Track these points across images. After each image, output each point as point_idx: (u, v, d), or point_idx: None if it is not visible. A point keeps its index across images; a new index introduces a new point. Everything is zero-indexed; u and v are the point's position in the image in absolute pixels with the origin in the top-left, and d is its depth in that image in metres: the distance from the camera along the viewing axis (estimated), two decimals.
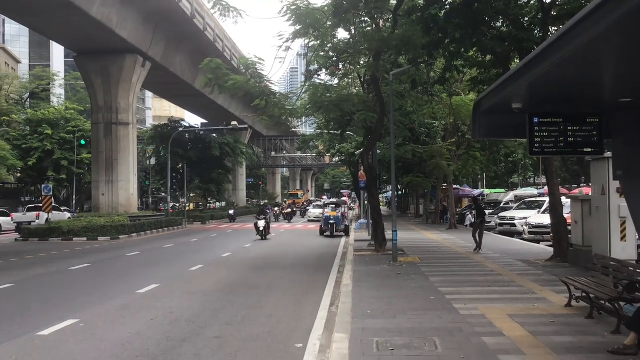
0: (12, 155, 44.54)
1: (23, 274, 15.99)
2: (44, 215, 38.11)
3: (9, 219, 39.17)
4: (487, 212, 33.96)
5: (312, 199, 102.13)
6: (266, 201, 40.70)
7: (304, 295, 11.99)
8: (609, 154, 11.83)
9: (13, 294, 12.59)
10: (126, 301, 11.36)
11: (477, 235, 19.01)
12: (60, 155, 49.08)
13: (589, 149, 7.40)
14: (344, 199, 57.81)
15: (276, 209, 51.71)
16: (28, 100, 60.62)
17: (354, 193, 59.64)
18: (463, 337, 7.49)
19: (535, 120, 7.20)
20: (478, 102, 7.53)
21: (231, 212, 50.85)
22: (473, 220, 19.19)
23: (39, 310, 10.59)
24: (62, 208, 45.15)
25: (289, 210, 50.59)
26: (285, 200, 79.66)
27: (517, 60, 16.74)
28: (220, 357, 7.32)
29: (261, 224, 27.69)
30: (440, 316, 8.81)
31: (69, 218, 37.94)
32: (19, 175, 52.86)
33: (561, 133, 7.28)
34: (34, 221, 35.69)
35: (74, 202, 53.72)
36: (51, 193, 34.28)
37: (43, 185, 36.44)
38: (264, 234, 27.77)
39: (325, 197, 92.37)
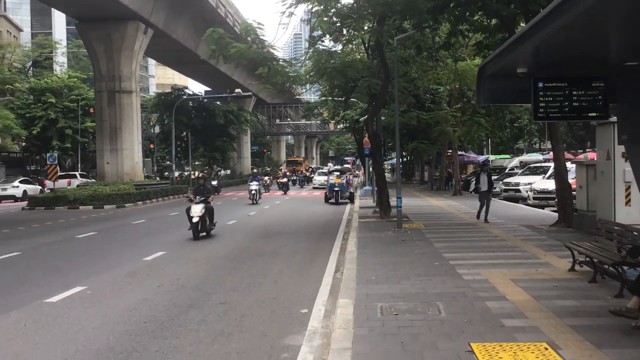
0: (16, 124, 44.52)
1: (30, 242, 16.14)
2: (74, 182, 39.10)
3: (35, 187, 39.67)
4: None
5: (314, 166, 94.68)
6: (203, 172, 29.56)
7: (308, 261, 12.08)
8: (614, 119, 11.76)
9: (21, 262, 12.73)
10: (133, 268, 11.47)
11: (485, 205, 17.65)
12: (65, 124, 49.05)
13: (594, 114, 7.33)
14: (346, 166, 55.75)
15: (266, 178, 43.11)
16: (31, 68, 60.32)
17: (358, 160, 59.40)
18: (466, 302, 7.55)
19: (540, 84, 7.13)
20: (483, 67, 7.46)
21: (214, 182, 40.38)
22: (482, 186, 18.09)
23: (46, 278, 10.72)
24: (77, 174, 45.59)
25: (284, 180, 42.16)
26: (281, 167, 74.49)
27: (522, 24, 16.52)
28: (226, 322, 7.42)
29: (196, 210, 15.91)
30: (444, 281, 8.87)
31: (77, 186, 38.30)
32: (23, 144, 52.90)
33: (566, 97, 7.21)
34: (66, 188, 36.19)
35: (79, 170, 53.86)
36: (56, 162, 34.41)
37: (48, 154, 36.61)
38: (198, 228, 15.93)
39: (331, 164, 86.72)
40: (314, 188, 46.80)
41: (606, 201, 13.35)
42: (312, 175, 57.19)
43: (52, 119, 48.49)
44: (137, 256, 12.99)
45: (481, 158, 49.70)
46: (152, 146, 52.60)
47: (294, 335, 6.86)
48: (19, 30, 73.29)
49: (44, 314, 8.01)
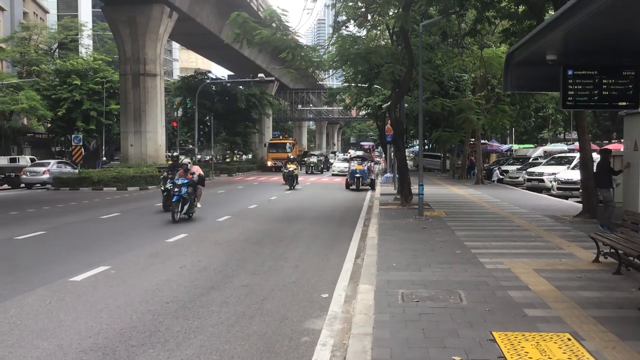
0: (42, 105, 44.98)
1: (55, 221, 16.36)
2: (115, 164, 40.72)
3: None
4: (515, 167, 33.82)
5: (317, 152, 66.95)
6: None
7: (329, 247, 12.10)
8: None
9: (46, 241, 12.91)
10: (155, 249, 11.59)
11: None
12: (89, 106, 49.42)
13: (624, 103, 7.23)
14: (359, 153, 52.73)
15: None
16: (57, 50, 60.79)
17: (380, 147, 58.83)
18: (488, 291, 7.51)
19: (570, 72, 7.03)
20: (511, 54, 7.36)
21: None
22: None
23: (70, 257, 10.86)
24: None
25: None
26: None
27: (551, 12, 16.26)
28: (248, 304, 7.47)
29: None
30: (466, 270, 8.82)
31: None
32: (49, 125, 53.42)
33: (596, 86, 7.11)
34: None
35: (103, 152, 54.36)
36: (81, 143, 34.78)
37: (73, 136, 36.93)
38: None
39: (352, 151, 79.65)
40: (333, 175, 46.44)
41: (632, 192, 13.16)
42: (333, 165, 49.60)
43: (77, 100, 48.87)
44: (159, 237, 13.11)
45: (504, 147, 49.23)
46: (175, 124, 52.83)
47: (315, 319, 6.88)
48: (46, 12, 73.83)
49: (69, 292, 8.13)
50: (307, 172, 49.89)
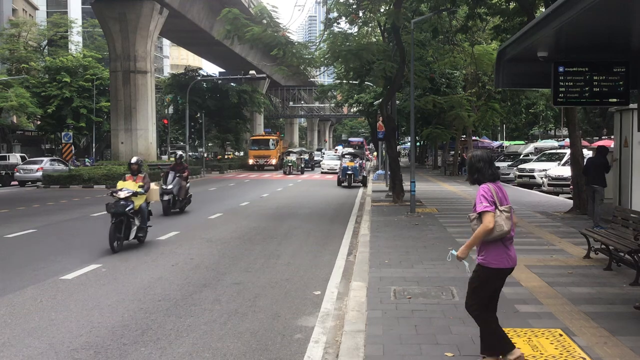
0: (31, 102, 44.73)
1: (45, 219, 16.27)
2: None
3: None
4: (506, 164, 33.92)
5: (296, 150, 54.92)
6: None
7: (321, 244, 12.09)
8: (633, 106, 11.63)
9: (36, 239, 12.85)
10: (147, 247, 11.54)
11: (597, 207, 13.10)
12: (79, 104, 49.19)
13: (615, 99, 7.27)
14: (348, 149, 49.85)
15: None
16: (46, 47, 60.38)
17: (371, 144, 58.68)
18: None
19: (561, 69, 7.06)
20: (502, 50, 7.38)
21: None
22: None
23: (62, 255, 10.79)
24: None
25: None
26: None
27: (542, 9, 16.31)
28: (240, 302, 7.46)
29: None
30: (458, 266, 8.80)
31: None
32: (38, 122, 53.14)
33: (586, 83, 7.14)
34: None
35: (94, 150, 54.10)
36: (71, 141, 34.67)
37: (63, 133, 36.81)
38: None
39: (339, 147, 72.60)
40: (322, 173, 45.73)
41: (623, 188, 13.22)
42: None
43: (67, 98, 48.63)
44: (152, 235, 13.02)
45: (495, 144, 49.41)
46: (165, 121, 52.59)
47: (307, 316, 6.88)
48: (35, 8, 73.35)
49: (60, 290, 8.08)
50: (285, 173, 43.86)
